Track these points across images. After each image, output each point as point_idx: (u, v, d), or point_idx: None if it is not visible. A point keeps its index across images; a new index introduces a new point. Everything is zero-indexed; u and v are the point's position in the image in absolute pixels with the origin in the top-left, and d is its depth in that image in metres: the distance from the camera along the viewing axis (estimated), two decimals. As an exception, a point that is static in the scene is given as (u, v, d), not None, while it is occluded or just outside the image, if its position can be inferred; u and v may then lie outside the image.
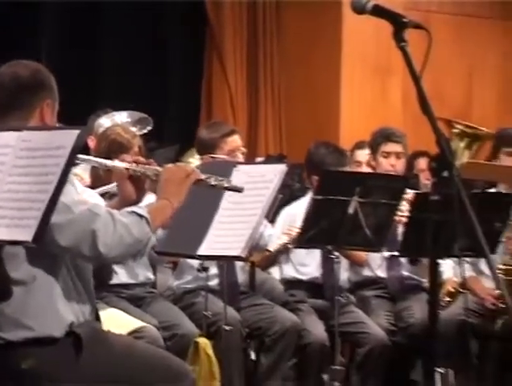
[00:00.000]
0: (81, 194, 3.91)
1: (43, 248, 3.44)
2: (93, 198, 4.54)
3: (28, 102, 3.82)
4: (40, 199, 3.19)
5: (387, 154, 6.24)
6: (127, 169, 3.92)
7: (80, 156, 3.98)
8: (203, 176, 3.96)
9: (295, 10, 9.54)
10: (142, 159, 4.03)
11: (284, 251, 5.92)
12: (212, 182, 3.98)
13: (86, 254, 3.62)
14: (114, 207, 3.87)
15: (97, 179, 5.19)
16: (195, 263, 5.49)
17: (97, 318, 3.91)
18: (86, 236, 3.57)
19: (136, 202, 3.91)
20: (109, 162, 4.09)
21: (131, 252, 3.71)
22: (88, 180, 5.50)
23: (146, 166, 3.96)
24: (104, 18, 9.00)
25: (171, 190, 3.86)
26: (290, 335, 5.63)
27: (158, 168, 3.95)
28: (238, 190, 4.08)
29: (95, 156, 5.12)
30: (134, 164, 3.94)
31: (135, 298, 5.40)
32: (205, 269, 5.35)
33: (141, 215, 3.69)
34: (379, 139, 6.33)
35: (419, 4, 9.45)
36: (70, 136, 3.26)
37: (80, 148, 3.29)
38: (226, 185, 4.04)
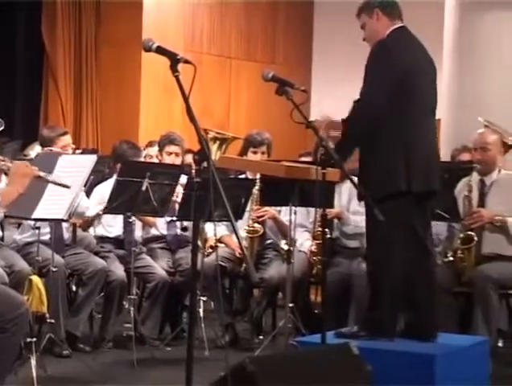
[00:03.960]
0: None
1: None
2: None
3: None
4: None
5: (169, 153, 6.21)
6: None
7: None
8: (42, 174, 3.90)
9: (109, 44, 9.49)
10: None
11: (98, 217, 5.87)
12: (49, 178, 3.93)
13: None
14: None
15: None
16: (32, 223, 5.38)
17: None
18: None
19: None
20: None
21: None
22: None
23: (2, 163, 3.85)
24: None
25: (16, 181, 3.77)
26: (100, 275, 5.57)
27: (9, 164, 3.85)
28: (65, 185, 4.07)
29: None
30: None
31: (-12, 248, 5.25)
32: (38, 228, 5.26)
33: None
34: (165, 141, 6.25)
35: (194, 47, 9.56)
36: None
37: None
38: (58, 182, 4.01)
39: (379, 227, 4.23)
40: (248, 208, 5.90)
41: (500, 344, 5.59)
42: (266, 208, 5.99)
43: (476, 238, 5.46)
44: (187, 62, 3.21)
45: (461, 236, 5.51)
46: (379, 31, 4.42)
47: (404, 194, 4.31)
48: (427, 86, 4.47)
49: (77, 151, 7.14)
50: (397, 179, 4.31)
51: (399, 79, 4.30)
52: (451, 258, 5.60)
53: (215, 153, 5.92)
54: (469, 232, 5.49)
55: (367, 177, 4.45)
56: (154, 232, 6.24)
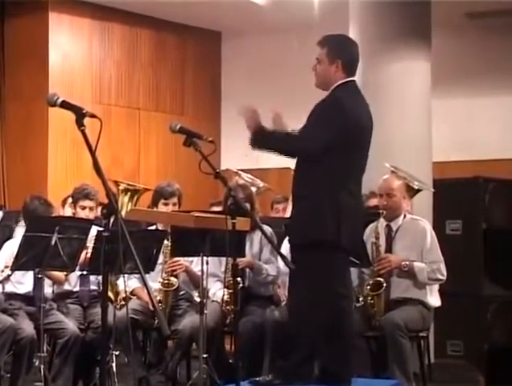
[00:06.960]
0: None
1: None
2: None
3: None
4: None
5: (83, 208, 6.11)
6: None
7: None
8: None
9: (14, 98, 9.47)
10: None
11: (7, 278, 5.77)
12: None
13: None
14: None
15: None
16: None
17: None
18: None
19: None
20: None
21: None
22: None
23: None
24: None
25: None
26: (8, 333, 5.44)
27: None
28: None
29: None
30: None
31: None
32: None
33: None
34: (79, 195, 6.13)
35: (102, 98, 9.56)
36: None
37: None
38: None
39: (301, 278, 4.29)
40: (161, 261, 5.88)
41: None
42: (180, 261, 5.98)
43: (385, 284, 5.57)
44: (92, 116, 3.23)
45: (370, 282, 5.62)
46: (331, 80, 4.52)
47: (328, 246, 4.37)
48: (366, 146, 4.56)
49: (-18, 208, 7.05)
50: (323, 228, 4.37)
51: (346, 135, 4.37)
52: (362, 303, 5.69)
53: (126, 204, 5.89)
54: (378, 278, 5.59)
55: (294, 222, 4.53)
56: (66, 287, 6.14)
